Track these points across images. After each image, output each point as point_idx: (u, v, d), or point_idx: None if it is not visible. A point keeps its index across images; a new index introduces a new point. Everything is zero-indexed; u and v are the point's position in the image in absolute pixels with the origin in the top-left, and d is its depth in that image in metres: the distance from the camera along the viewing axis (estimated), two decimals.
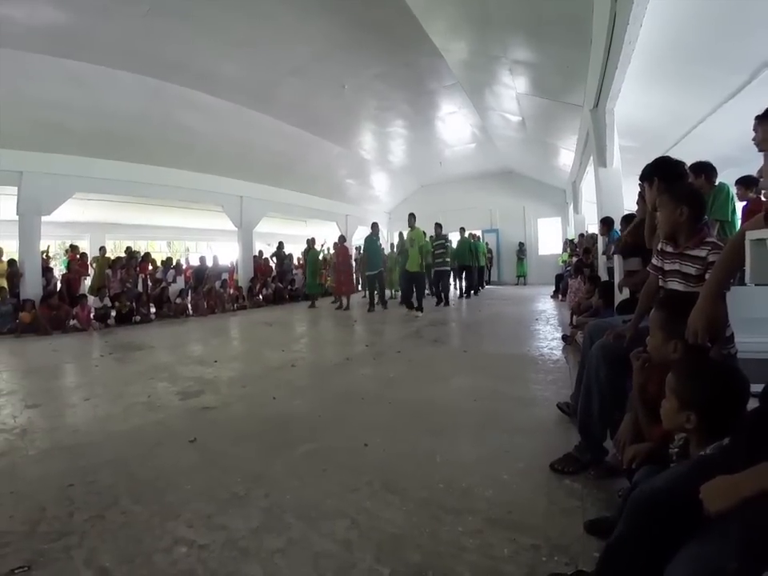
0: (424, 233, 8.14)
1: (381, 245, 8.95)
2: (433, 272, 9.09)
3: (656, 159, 2.03)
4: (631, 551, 0.96)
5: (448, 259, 9.07)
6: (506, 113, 8.38)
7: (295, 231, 16.41)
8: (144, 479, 1.85)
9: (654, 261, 1.78)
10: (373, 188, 14.85)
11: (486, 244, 13.43)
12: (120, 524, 1.52)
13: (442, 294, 8.82)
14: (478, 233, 13.40)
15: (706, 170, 2.78)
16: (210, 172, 9.78)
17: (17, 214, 7.22)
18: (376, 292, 8.55)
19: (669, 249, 1.66)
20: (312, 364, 4.16)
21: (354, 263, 10.92)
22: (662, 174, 1.91)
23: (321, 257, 10.97)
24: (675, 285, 1.62)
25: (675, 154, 2.17)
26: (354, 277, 10.95)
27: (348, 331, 6.12)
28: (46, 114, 6.62)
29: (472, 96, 8.14)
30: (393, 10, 5.27)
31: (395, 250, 10.65)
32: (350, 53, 6.52)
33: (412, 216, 7.87)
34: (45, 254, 8.20)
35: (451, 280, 10.60)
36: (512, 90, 6.96)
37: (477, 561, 1.29)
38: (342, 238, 9.65)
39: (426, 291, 10.05)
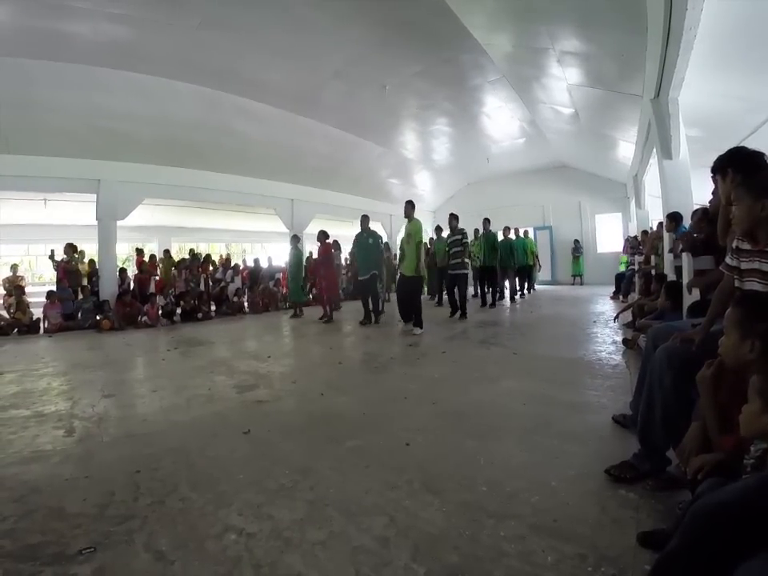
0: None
1: (378, 242, 6.84)
2: (447, 275, 7.31)
3: (730, 150, 1.87)
4: (685, 566, 0.90)
5: (467, 260, 7.28)
6: (556, 105, 8.01)
7: (342, 232, 16.77)
8: (201, 468, 1.98)
9: (728, 260, 1.63)
10: (416, 187, 14.78)
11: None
12: (178, 510, 1.63)
13: (459, 303, 6.89)
14: (530, 230, 12.81)
15: None
16: (262, 177, 10.26)
17: (96, 219, 7.97)
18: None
19: (745, 246, 1.53)
20: (357, 362, 4.25)
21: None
22: (736, 165, 1.76)
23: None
24: (754, 285, 1.48)
25: (753, 144, 1.98)
26: (339, 281, 9.37)
27: (392, 331, 6.15)
28: (115, 124, 7.22)
29: (519, 90, 7.87)
30: (427, 6, 5.22)
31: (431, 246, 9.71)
32: (388, 53, 6.54)
33: (409, 203, 5.93)
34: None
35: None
36: (562, 82, 6.65)
37: (517, 566, 1.26)
38: (324, 234, 7.46)
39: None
